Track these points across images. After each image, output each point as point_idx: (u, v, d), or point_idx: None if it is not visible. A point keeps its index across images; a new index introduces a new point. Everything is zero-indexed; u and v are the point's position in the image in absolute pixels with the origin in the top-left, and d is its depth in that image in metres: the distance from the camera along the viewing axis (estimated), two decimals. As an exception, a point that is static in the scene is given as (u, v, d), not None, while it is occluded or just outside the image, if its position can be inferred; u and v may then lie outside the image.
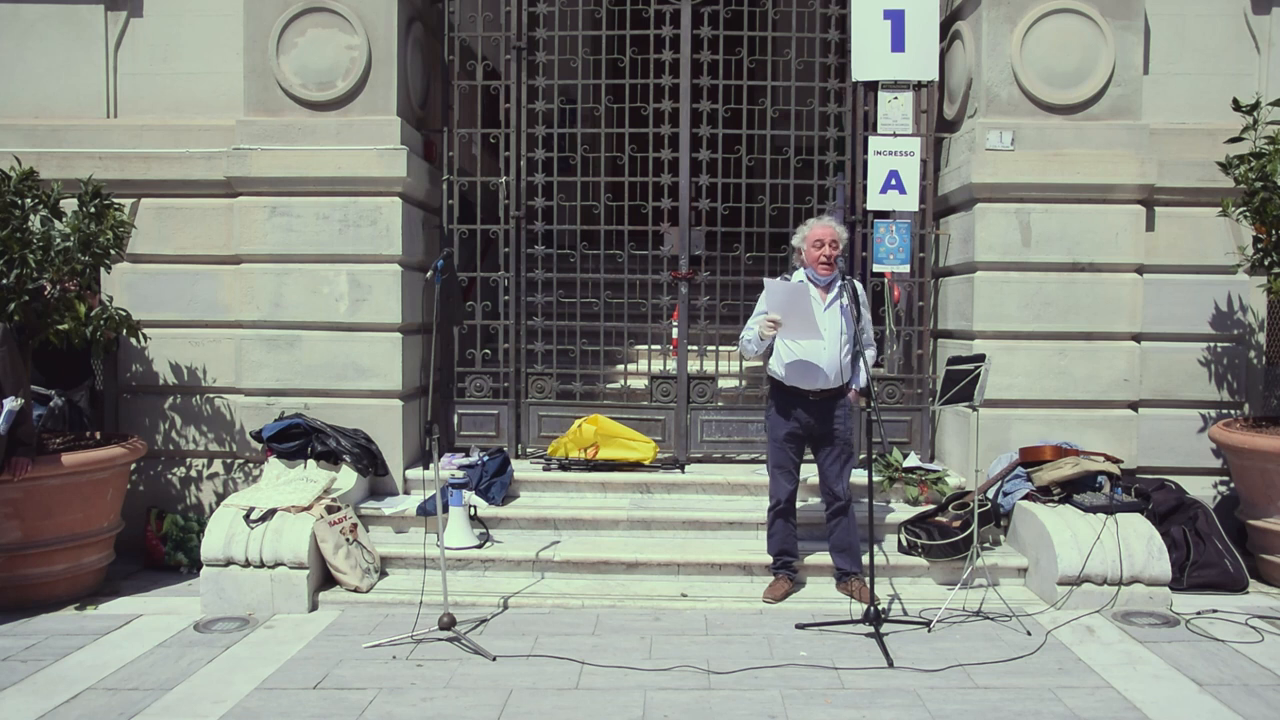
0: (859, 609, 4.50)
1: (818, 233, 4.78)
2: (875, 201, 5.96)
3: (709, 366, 6.21)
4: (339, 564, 4.91)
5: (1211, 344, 5.88)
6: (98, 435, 5.50)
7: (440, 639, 4.34)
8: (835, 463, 4.83)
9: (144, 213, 5.88)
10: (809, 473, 5.04)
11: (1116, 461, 5.31)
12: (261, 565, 4.81)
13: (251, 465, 5.83)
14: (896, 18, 5.89)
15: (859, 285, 4.89)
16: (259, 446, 5.58)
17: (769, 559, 4.99)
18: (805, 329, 4.60)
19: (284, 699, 3.79)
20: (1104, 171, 5.51)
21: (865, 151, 5.97)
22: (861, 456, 5.42)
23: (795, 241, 4.93)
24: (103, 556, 5.23)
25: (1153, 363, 5.80)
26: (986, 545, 5.21)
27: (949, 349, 5.88)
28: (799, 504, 5.05)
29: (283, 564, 4.81)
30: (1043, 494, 5.18)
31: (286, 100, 5.68)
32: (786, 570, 4.98)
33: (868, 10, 5.91)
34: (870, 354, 4.82)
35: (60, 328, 5.00)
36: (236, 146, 5.65)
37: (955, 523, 5.05)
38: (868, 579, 4.56)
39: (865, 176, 5.97)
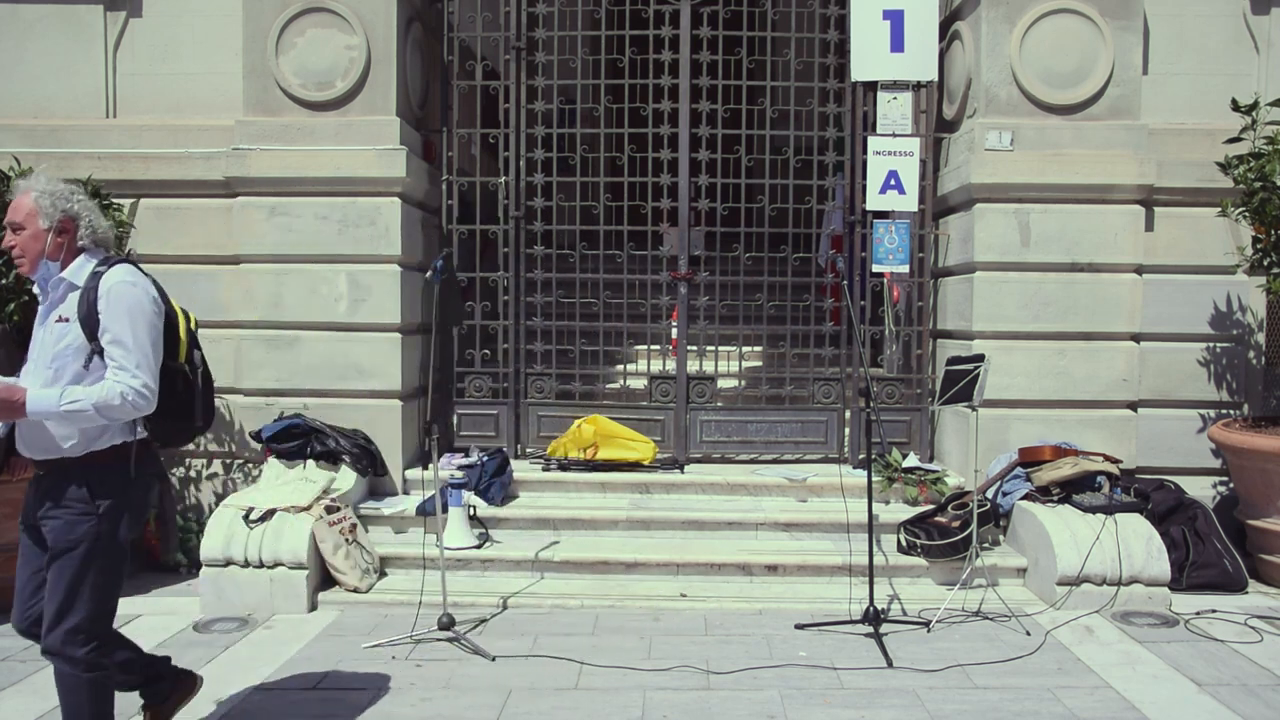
0: (858, 609, 4.49)
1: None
2: (874, 201, 5.96)
3: (708, 367, 6.20)
4: (338, 564, 4.91)
5: (1210, 344, 5.88)
6: (97, 435, 5.49)
7: (439, 639, 4.34)
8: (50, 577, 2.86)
9: (143, 213, 5.88)
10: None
11: (1116, 462, 5.31)
12: (261, 565, 4.81)
13: (251, 465, 5.83)
14: (896, 18, 5.90)
15: (118, 274, 2.85)
16: (258, 446, 5.58)
17: (767, 559, 4.94)
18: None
19: (283, 699, 3.79)
20: (1103, 172, 5.51)
21: (864, 151, 5.97)
22: (861, 456, 5.41)
23: None
24: (102, 557, 5.22)
25: (1152, 363, 5.80)
26: (986, 545, 5.21)
27: (948, 349, 5.88)
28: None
29: (282, 564, 4.81)
30: (1042, 494, 5.18)
31: (285, 100, 5.68)
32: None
33: (867, 10, 5.92)
34: (124, 385, 2.72)
35: (59, 328, 4.99)
36: (235, 147, 5.65)
37: (954, 523, 5.04)
38: (867, 581, 4.54)
39: (864, 176, 5.98)
